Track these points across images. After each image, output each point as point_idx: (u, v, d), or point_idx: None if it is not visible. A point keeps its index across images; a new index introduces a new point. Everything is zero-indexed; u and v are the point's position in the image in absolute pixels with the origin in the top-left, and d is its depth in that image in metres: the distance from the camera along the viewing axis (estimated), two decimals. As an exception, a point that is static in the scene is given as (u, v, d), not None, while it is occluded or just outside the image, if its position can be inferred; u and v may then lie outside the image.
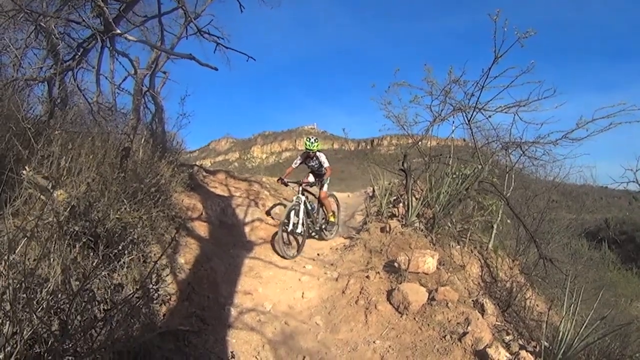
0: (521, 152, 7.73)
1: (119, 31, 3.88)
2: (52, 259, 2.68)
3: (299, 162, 8.25)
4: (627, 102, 6.30)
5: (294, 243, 7.69)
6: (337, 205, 9.00)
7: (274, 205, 9.31)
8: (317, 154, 8.01)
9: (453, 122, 8.08)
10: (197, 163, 12.02)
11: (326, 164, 8.01)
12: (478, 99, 7.19)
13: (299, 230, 7.41)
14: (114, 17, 3.99)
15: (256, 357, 4.62)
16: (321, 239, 8.40)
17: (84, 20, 3.96)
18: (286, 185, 8.17)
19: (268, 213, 9.04)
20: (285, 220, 7.24)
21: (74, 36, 5.04)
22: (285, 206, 7.96)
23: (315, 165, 8.19)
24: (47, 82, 4.81)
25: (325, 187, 8.20)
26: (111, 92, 5.13)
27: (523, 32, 5.95)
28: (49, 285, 2.37)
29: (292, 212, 7.40)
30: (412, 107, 8.15)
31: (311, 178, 8.31)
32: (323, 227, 8.41)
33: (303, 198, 7.66)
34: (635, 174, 6.46)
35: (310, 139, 8.01)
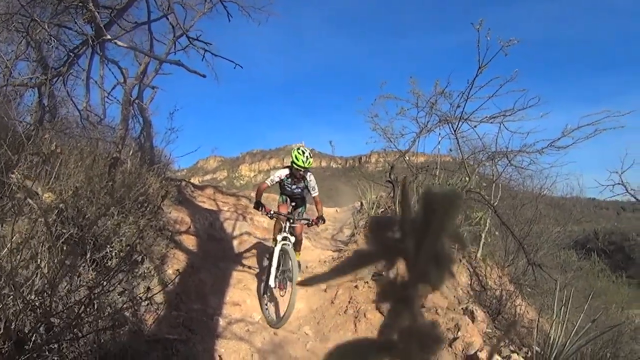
0: (507, 162, 7.80)
1: (109, 36, 3.92)
2: (39, 260, 2.66)
3: (277, 179, 6.06)
4: (612, 109, 6.42)
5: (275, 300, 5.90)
6: None
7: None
8: (308, 174, 5.99)
9: (439, 133, 8.16)
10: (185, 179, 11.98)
11: (316, 191, 6.09)
12: (463, 109, 7.22)
13: (280, 283, 5.71)
14: (104, 24, 4.04)
15: (245, 366, 4.57)
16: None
17: (76, 24, 4.01)
18: (271, 217, 5.96)
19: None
20: (269, 275, 5.61)
21: (65, 44, 5.08)
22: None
23: (298, 190, 6.24)
24: (38, 89, 4.82)
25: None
26: (101, 98, 5.14)
27: (506, 41, 6.04)
28: (34, 272, 2.35)
29: (280, 264, 5.70)
30: (399, 120, 8.14)
31: (286, 207, 6.30)
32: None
33: (292, 240, 5.82)
34: (620, 176, 6.56)
35: (304, 152, 5.78)
